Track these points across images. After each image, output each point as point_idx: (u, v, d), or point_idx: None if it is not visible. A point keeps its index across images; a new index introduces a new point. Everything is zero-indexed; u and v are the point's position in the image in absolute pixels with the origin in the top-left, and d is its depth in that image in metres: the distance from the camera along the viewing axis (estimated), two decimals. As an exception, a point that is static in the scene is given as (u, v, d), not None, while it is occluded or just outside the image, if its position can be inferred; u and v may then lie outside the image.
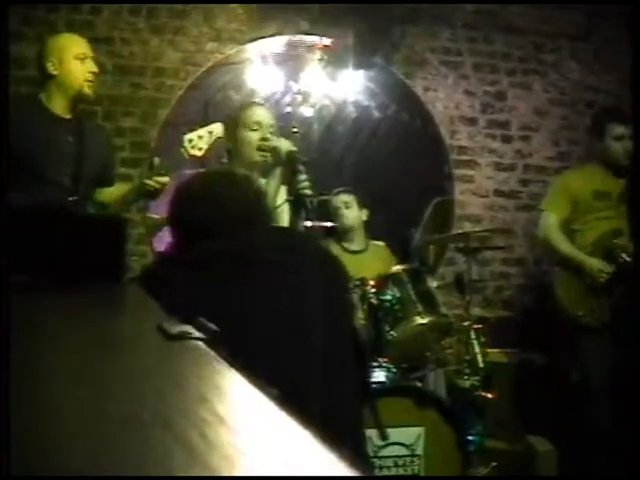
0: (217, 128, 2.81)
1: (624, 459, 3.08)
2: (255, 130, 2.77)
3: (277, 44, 4.34)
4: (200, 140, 2.75)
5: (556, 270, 3.64)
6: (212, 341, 0.72)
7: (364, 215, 3.88)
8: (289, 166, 2.62)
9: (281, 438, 0.43)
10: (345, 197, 3.85)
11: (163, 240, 4.16)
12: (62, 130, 2.76)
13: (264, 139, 2.74)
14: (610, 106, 3.87)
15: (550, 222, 3.60)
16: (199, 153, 2.76)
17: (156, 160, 2.81)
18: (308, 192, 2.54)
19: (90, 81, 2.82)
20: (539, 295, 3.85)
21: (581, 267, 3.45)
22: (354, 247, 3.83)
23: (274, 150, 2.68)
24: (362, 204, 3.89)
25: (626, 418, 3.18)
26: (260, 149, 2.74)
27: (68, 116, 2.81)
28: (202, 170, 2.15)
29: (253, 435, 0.43)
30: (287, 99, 4.33)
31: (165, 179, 2.75)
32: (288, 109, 4.28)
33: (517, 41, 4.66)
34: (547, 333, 3.70)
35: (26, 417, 0.41)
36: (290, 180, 2.63)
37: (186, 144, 2.74)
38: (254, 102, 3.11)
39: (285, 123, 4.16)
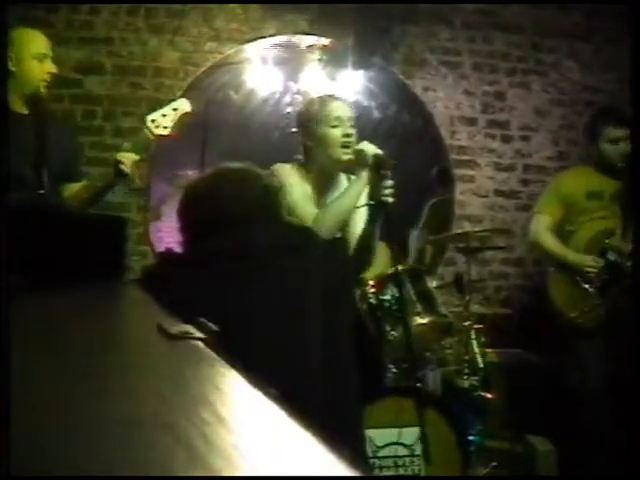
0: (182, 104, 2.77)
1: (624, 459, 3.08)
2: (336, 127, 2.67)
3: (276, 44, 4.34)
4: (164, 118, 2.71)
5: (551, 271, 3.65)
6: (212, 341, 0.72)
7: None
8: (375, 170, 2.55)
9: (281, 438, 0.43)
10: None
11: (163, 240, 4.16)
12: (21, 126, 2.70)
13: (347, 135, 2.66)
14: (606, 107, 3.85)
15: (541, 225, 3.62)
16: (165, 132, 2.72)
17: (125, 144, 2.78)
18: (389, 200, 2.50)
19: (46, 81, 2.76)
20: (539, 295, 3.85)
21: (573, 266, 3.46)
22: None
23: (359, 153, 2.60)
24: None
25: (624, 418, 3.18)
26: (344, 146, 2.65)
27: (26, 112, 2.76)
28: (214, 168, 2.13)
29: (254, 435, 0.43)
30: (287, 99, 4.33)
31: (133, 156, 2.69)
32: (288, 109, 4.28)
33: (516, 41, 4.66)
34: (546, 333, 3.70)
35: (26, 417, 0.41)
36: (373, 184, 2.57)
37: (149, 124, 2.71)
38: (331, 96, 2.93)
39: (285, 123, 4.18)
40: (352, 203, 2.62)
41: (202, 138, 4.06)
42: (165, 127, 2.70)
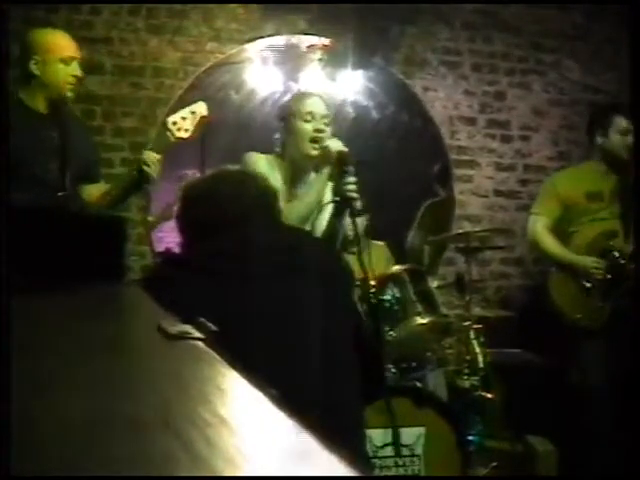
0: (200, 107, 2.76)
1: (624, 459, 3.08)
2: (308, 121, 2.70)
3: (277, 44, 4.34)
4: (184, 121, 2.70)
5: (551, 271, 3.65)
6: (212, 341, 0.72)
7: (364, 220, 3.82)
8: (338, 166, 2.58)
9: (282, 439, 0.43)
10: None
11: (163, 240, 4.16)
12: (45, 127, 2.69)
13: (318, 130, 2.69)
14: (612, 103, 3.85)
15: (538, 225, 3.61)
16: (185, 135, 2.71)
17: (149, 146, 2.77)
18: (354, 195, 2.51)
19: (72, 84, 2.73)
20: (539, 295, 3.85)
21: (574, 267, 3.45)
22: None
23: (325, 149, 2.63)
24: (362, 211, 3.80)
25: (625, 418, 3.18)
26: (313, 141, 2.68)
27: (48, 112, 2.73)
28: (211, 170, 2.14)
29: (254, 436, 0.43)
30: (287, 99, 4.33)
31: (157, 155, 2.67)
32: (288, 109, 4.28)
33: (516, 41, 4.66)
34: (546, 333, 3.69)
35: (26, 417, 0.41)
36: (338, 181, 2.59)
37: (171, 127, 2.69)
38: (307, 92, 3.01)
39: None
40: (314, 200, 2.65)
41: (202, 138, 4.05)
42: (186, 130, 2.70)
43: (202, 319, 0.84)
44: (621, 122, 3.48)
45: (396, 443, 2.58)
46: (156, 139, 2.78)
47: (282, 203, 2.63)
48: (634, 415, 3.01)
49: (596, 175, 3.56)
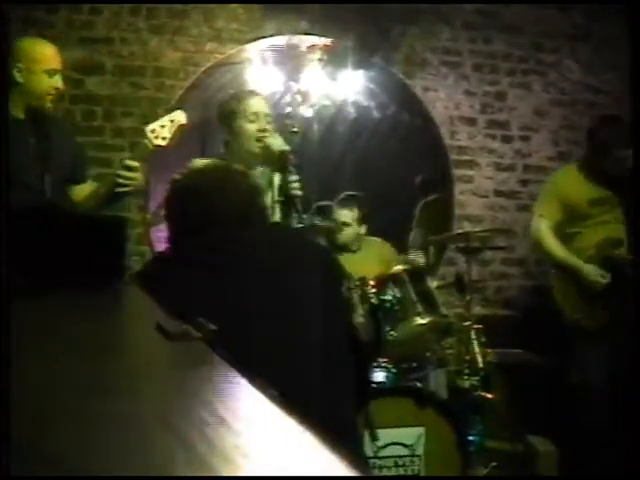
0: (178, 116, 2.79)
1: (624, 459, 3.08)
2: (253, 121, 2.75)
3: (277, 44, 4.34)
4: (163, 129, 2.73)
5: (553, 272, 3.64)
6: (211, 341, 0.72)
7: (362, 230, 3.81)
8: (280, 165, 2.62)
9: (281, 438, 0.43)
10: (346, 213, 3.75)
11: (163, 240, 4.16)
12: (23, 133, 2.68)
13: (262, 130, 2.73)
14: (611, 120, 3.70)
15: (542, 227, 3.59)
16: (163, 142, 2.74)
17: (126, 156, 2.79)
18: (298, 193, 2.54)
19: (53, 95, 2.75)
20: (539, 295, 3.85)
21: (577, 273, 3.45)
22: (345, 249, 3.77)
23: (267, 148, 2.67)
24: (362, 219, 3.78)
25: (625, 419, 3.18)
26: (258, 140, 2.72)
27: (26, 118, 2.73)
28: (197, 164, 2.14)
29: (253, 436, 0.43)
30: (287, 99, 4.33)
31: (134, 174, 2.69)
32: (288, 109, 4.28)
33: (517, 41, 4.66)
34: (547, 333, 3.69)
35: (26, 417, 0.41)
36: (281, 179, 2.63)
37: (149, 135, 2.72)
38: (250, 92, 3.06)
39: (285, 123, 4.17)
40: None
41: (202, 138, 4.06)
42: (164, 138, 2.73)
43: (202, 319, 0.84)
44: (619, 152, 3.41)
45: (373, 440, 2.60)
46: (136, 147, 2.80)
47: None
48: (634, 415, 3.01)
49: (598, 181, 3.54)
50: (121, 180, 2.70)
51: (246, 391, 0.51)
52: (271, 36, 4.32)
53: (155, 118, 4.13)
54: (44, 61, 2.73)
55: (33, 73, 2.71)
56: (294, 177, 2.57)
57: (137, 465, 0.36)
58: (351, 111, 4.43)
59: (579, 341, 3.48)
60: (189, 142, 3.95)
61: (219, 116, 2.90)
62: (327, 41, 4.38)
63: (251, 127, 2.74)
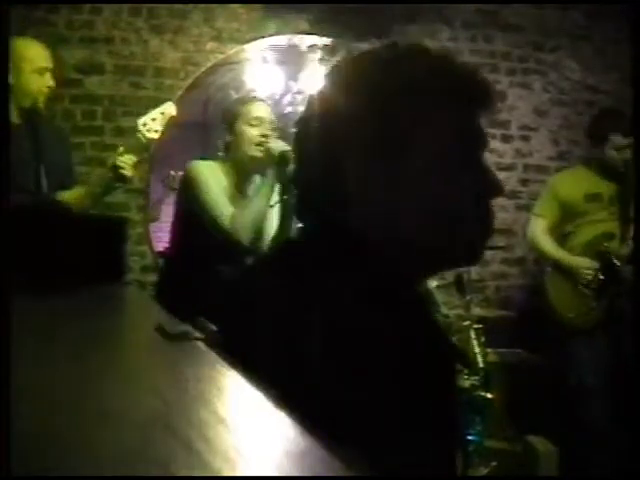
0: (169, 108, 2.81)
1: (624, 459, 3.08)
2: (255, 126, 2.76)
3: (278, 44, 4.34)
4: (154, 122, 2.75)
5: (548, 272, 3.66)
6: (212, 341, 0.72)
7: None
8: (282, 167, 2.62)
9: (281, 439, 0.43)
10: None
11: (163, 240, 4.16)
12: (18, 137, 2.66)
13: (264, 135, 2.74)
14: (610, 111, 3.79)
15: (537, 227, 3.63)
16: (156, 135, 2.75)
17: (121, 149, 2.79)
18: None
19: (45, 94, 2.75)
20: (538, 295, 3.86)
21: (569, 268, 3.47)
22: None
23: (268, 150, 2.68)
24: None
25: (624, 418, 3.18)
26: (259, 145, 2.74)
27: (20, 121, 2.73)
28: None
29: (253, 436, 0.43)
30: (287, 99, 4.33)
31: (132, 158, 2.70)
32: (288, 109, 4.28)
33: (517, 40, 4.66)
34: (546, 333, 3.70)
35: (26, 417, 0.41)
36: (283, 181, 2.65)
37: (141, 128, 2.73)
38: (255, 97, 3.10)
39: (285, 123, 4.17)
40: (265, 202, 2.69)
41: (202, 138, 4.06)
42: (156, 131, 2.74)
43: (202, 319, 0.84)
44: (618, 140, 3.44)
45: None
46: (130, 142, 2.81)
47: (232, 209, 2.68)
48: (633, 414, 3.01)
49: (596, 177, 3.57)
50: (118, 174, 2.70)
51: (246, 391, 0.52)
52: (271, 36, 4.33)
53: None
54: (33, 60, 2.73)
55: (23, 73, 2.70)
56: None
57: (136, 465, 0.36)
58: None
59: (573, 340, 3.49)
60: (190, 142, 3.96)
61: (223, 118, 2.91)
62: (327, 41, 4.38)
63: (252, 131, 2.75)
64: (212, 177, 2.75)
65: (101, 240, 1.02)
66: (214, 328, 0.83)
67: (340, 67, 1.02)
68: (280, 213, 2.70)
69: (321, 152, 0.96)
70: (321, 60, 4.38)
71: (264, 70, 4.31)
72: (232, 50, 4.29)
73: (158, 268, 3.68)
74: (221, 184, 2.76)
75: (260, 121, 2.77)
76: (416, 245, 0.95)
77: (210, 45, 4.28)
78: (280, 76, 4.33)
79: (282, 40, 4.34)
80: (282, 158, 2.62)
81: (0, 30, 2.04)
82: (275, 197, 2.72)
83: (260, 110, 2.81)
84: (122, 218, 1.17)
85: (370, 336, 0.88)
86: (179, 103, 4.20)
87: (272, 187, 2.70)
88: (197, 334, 0.72)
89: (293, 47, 4.37)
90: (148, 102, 4.18)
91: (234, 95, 4.27)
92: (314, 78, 4.35)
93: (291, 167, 2.58)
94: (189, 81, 4.23)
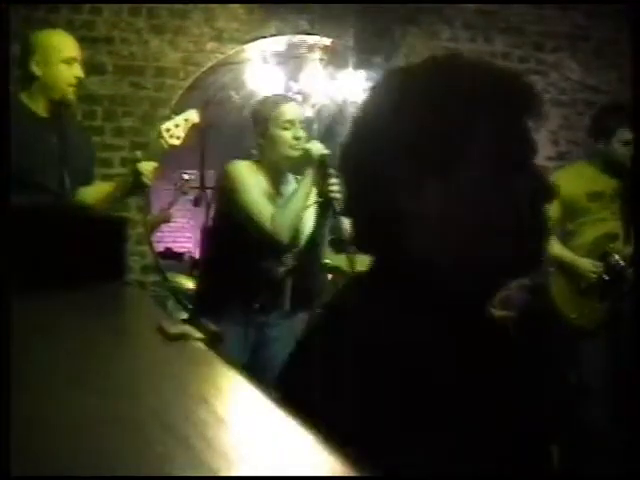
0: (192, 115, 2.80)
1: (624, 459, 3.08)
2: (287, 129, 2.75)
3: (277, 44, 4.35)
4: (177, 129, 2.74)
5: (551, 271, 3.65)
6: (212, 341, 0.72)
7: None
8: (320, 169, 2.64)
9: (281, 439, 0.43)
10: None
11: (163, 240, 4.16)
12: (45, 131, 2.66)
13: (297, 138, 2.74)
14: (618, 106, 3.77)
15: None
16: (177, 142, 2.74)
17: (138, 153, 2.79)
18: (337, 195, 2.56)
19: (74, 85, 2.71)
20: (539, 295, 3.85)
21: (572, 268, 3.46)
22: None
23: (306, 152, 2.70)
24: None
25: (624, 419, 3.18)
26: (292, 147, 2.75)
27: (49, 115, 2.70)
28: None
29: (253, 436, 0.43)
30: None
31: (153, 164, 2.70)
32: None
33: (517, 41, 4.66)
34: (546, 333, 3.70)
35: (26, 417, 0.41)
36: (321, 182, 2.66)
37: (164, 134, 2.72)
38: (285, 97, 3.06)
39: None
40: (303, 202, 2.71)
41: (202, 138, 4.06)
42: (178, 137, 2.73)
43: (202, 319, 0.84)
44: (624, 134, 3.43)
45: None
46: (151, 146, 2.80)
47: (272, 209, 2.70)
48: (633, 415, 3.01)
49: (598, 175, 3.55)
50: (139, 180, 2.69)
51: (246, 391, 0.52)
52: (271, 36, 4.33)
53: (155, 118, 4.16)
54: (60, 50, 2.69)
55: (50, 64, 2.66)
56: (334, 180, 2.59)
57: (137, 465, 0.36)
58: (351, 111, 4.43)
59: (575, 340, 3.49)
60: (189, 142, 3.96)
61: (253, 121, 2.88)
62: (327, 41, 4.38)
63: (285, 134, 2.74)
64: (251, 177, 2.75)
65: (101, 240, 1.02)
66: (214, 328, 0.83)
67: (381, 87, 0.98)
68: (316, 212, 2.73)
69: (374, 183, 0.92)
70: (321, 60, 4.38)
71: (264, 70, 4.32)
72: (232, 50, 4.29)
73: (159, 268, 3.67)
74: (260, 184, 2.77)
75: (292, 124, 2.75)
76: (481, 262, 0.93)
77: (210, 45, 4.28)
78: (280, 76, 4.33)
79: (282, 40, 4.34)
80: (322, 161, 2.65)
81: (0, 30, 2.04)
82: (312, 197, 2.73)
83: (291, 112, 2.78)
84: (122, 218, 1.17)
85: (464, 369, 0.87)
86: (179, 103, 4.21)
87: (310, 187, 2.71)
88: (197, 334, 0.72)
89: (293, 47, 4.37)
90: (148, 102, 4.18)
91: (234, 95, 4.27)
92: (314, 78, 4.35)
93: (331, 170, 2.61)
94: (189, 81, 4.23)
